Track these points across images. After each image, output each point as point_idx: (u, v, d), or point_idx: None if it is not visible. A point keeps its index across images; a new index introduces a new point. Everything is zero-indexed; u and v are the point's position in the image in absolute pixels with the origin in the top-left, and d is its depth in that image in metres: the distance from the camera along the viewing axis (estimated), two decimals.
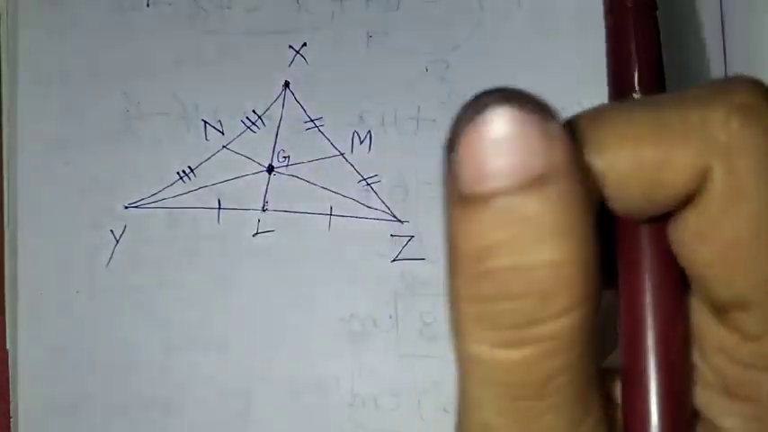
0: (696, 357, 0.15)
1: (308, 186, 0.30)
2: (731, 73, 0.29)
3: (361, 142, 0.30)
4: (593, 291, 0.13)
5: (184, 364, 0.29)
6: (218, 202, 0.30)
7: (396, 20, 0.29)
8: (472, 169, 0.13)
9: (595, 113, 0.14)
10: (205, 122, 0.30)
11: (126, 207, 0.30)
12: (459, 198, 0.13)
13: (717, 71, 0.29)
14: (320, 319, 0.29)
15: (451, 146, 0.13)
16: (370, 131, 0.30)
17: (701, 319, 0.15)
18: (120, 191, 0.30)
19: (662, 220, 0.15)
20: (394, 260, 0.29)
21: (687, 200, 0.14)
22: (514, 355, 0.13)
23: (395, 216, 0.29)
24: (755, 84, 0.14)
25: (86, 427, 0.29)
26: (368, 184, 0.30)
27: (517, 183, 0.13)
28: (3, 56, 0.30)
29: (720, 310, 0.15)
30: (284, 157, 0.30)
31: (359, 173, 0.30)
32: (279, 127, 0.30)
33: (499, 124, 0.13)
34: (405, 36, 0.30)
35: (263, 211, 0.30)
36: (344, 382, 0.29)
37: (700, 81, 0.28)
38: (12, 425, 0.29)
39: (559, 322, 0.13)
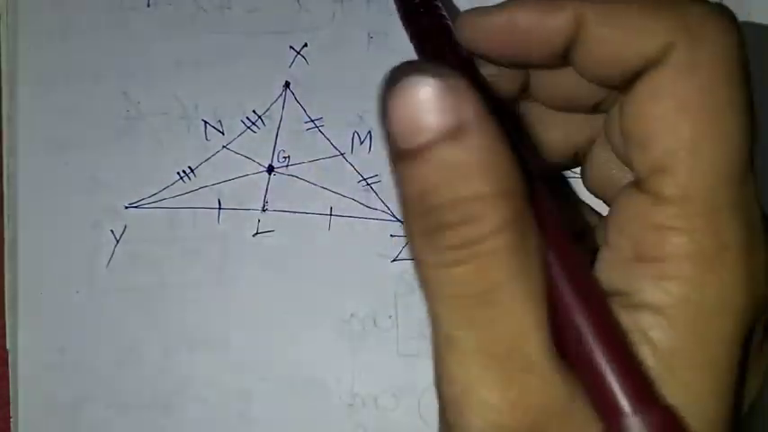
0: (615, 233, 0.18)
1: (308, 186, 0.30)
2: None
3: (362, 142, 0.30)
4: (520, 216, 0.16)
5: (184, 364, 0.29)
6: (218, 202, 0.30)
7: (396, 20, 0.29)
8: (403, 129, 0.16)
9: None
10: (205, 122, 0.30)
11: (126, 207, 0.30)
12: (397, 153, 0.16)
13: None
14: (320, 318, 0.29)
15: (384, 113, 0.16)
16: (370, 131, 0.30)
17: (624, 194, 0.18)
18: (120, 191, 0.30)
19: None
20: (394, 260, 0.29)
21: (648, 65, 0.17)
22: (460, 270, 0.16)
23: (395, 216, 0.30)
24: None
25: (86, 427, 0.29)
26: (368, 184, 0.30)
27: (440, 134, 0.16)
28: (3, 56, 0.30)
29: (647, 172, 0.17)
30: (284, 157, 0.30)
31: (359, 173, 0.30)
32: (279, 127, 0.30)
33: (417, 89, 0.16)
34: (405, 36, 0.30)
35: (263, 211, 0.30)
36: (344, 382, 0.29)
37: None
38: (12, 425, 0.29)
39: (492, 241, 0.16)
